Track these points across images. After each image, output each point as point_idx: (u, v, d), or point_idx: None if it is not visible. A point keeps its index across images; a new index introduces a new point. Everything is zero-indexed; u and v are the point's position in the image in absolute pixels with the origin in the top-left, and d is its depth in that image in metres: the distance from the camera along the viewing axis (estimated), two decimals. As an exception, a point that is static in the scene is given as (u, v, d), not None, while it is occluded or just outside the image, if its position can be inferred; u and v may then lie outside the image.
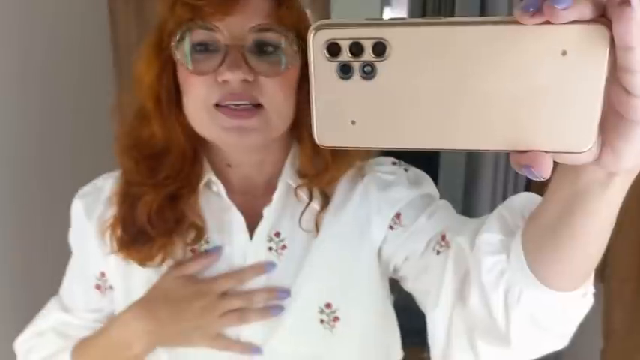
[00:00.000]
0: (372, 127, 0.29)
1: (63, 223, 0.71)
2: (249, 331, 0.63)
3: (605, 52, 0.25)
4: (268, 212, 0.64)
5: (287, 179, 0.65)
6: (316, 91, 0.28)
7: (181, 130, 0.61)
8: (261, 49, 0.56)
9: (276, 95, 0.57)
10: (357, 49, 0.27)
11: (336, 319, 0.63)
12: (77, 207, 0.69)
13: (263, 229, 0.64)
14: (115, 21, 1.68)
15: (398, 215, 0.64)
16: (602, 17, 0.25)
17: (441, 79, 0.27)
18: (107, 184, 0.69)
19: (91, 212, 0.68)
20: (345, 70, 0.28)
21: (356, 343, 0.65)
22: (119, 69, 1.68)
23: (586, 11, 0.25)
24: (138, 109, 0.63)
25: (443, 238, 0.57)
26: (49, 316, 0.72)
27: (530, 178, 0.28)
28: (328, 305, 0.63)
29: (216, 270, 0.64)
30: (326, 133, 0.29)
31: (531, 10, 0.25)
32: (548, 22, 0.25)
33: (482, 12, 1.57)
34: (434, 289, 0.55)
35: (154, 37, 0.60)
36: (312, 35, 0.27)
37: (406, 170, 0.68)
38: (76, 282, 0.71)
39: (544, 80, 0.26)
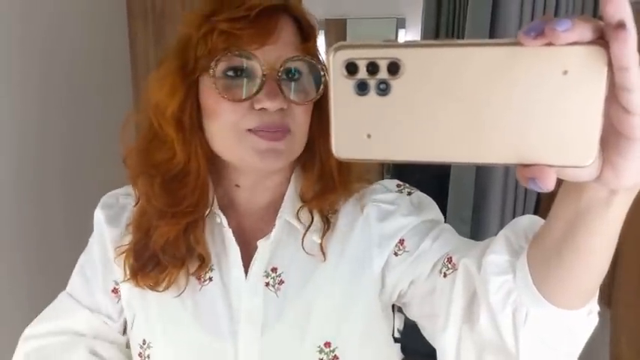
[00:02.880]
0: (386, 141, 0.30)
1: (83, 232, 0.72)
2: None
3: (604, 71, 0.27)
4: (264, 247, 0.64)
5: (286, 214, 0.64)
6: (335, 107, 0.30)
7: (203, 154, 0.62)
8: (293, 78, 0.59)
9: (302, 120, 0.60)
10: (372, 67, 0.29)
11: (335, 358, 0.62)
12: (99, 217, 0.70)
13: (259, 266, 0.64)
14: (134, 42, 1.73)
15: (402, 241, 0.64)
16: (601, 39, 0.26)
17: (450, 96, 0.28)
18: (128, 204, 0.69)
19: (112, 226, 0.69)
20: (362, 87, 0.29)
21: None
22: (137, 87, 1.73)
23: (585, 33, 0.26)
24: (147, 131, 0.63)
25: (449, 260, 0.57)
26: (70, 314, 0.70)
27: (535, 190, 0.29)
28: (327, 344, 0.62)
29: (214, 298, 0.64)
30: (343, 145, 0.31)
31: (534, 33, 0.26)
32: (550, 44, 0.26)
33: (492, 37, 1.60)
34: (442, 312, 0.55)
35: (177, 62, 0.60)
36: (332, 55, 0.29)
37: (409, 194, 0.68)
38: (95, 284, 0.71)
39: (547, 98, 0.27)
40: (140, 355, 0.66)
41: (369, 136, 0.30)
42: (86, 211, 0.73)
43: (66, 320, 0.70)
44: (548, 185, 0.29)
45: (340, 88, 0.30)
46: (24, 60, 1.23)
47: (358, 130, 0.30)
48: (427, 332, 0.61)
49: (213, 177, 0.66)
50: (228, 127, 0.58)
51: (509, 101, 0.28)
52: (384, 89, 0.29)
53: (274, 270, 0.64)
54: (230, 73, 0.57)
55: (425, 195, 0.69)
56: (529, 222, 0.50)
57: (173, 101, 0.59)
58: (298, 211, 0.65)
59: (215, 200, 0.65)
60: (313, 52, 0.61)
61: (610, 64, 0.26)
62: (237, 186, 0.66)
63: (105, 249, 0.69)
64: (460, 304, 0.53)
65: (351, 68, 0.29)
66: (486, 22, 1.52)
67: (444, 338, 0.54)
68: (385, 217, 0.65)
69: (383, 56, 0.29)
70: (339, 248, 0.65)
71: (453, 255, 0.57)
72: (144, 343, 0.66)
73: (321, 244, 0.64)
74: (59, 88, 1.36)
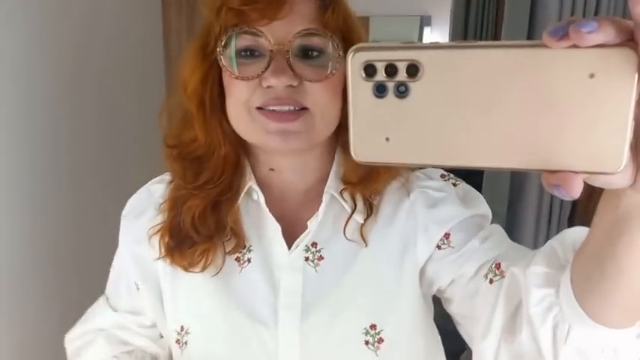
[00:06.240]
0: (405, 144, 0.30)
1: (116, 222, 0.74)
2: (286, 357, 0.62)
3: (633, 74, 0.26)
4: (313, 225, 0.64)
5: (332, 190, 0.65)
6: (353, 109, 0.31)
7: (223, 134, 0.63)
8: (306, 53, 0.57)
9: (321, 99, 0.58)
10: (391, 70, 0.29)
11: (380, 340, 0.62)
12: (127, 210, 0.72)
13: (303, 240, 0.64)
14: (168, 29, 1.77)
15: (447, 235, 0.63)
16: (630, 41, 0.26)
17: (471, 99, 0.29)
18: (158, 189, 0.71)
19: (140, 214, 0.70)
20: (381, 90, 0.30)
21: None
22: (169, 73, 1.77)
23: (612, 35, 0.25)
24: (183, 113, 0.65)
25: (498, 266, 0.56)
26: (99, 316, 0.74)
27: (560, 197, 0.29)
28: (373, 326, 0.62)
29: (254, 279, 0.65)
30: (362, 148, 0.31)
31: (558, 34, 0.26)
32: (575, 46, 0.26)
33: (530, 33, 1.56)
34: (484, 318, 0.54)
35: (200, 41, 0.61)
36: (350, 57, 0.30)
37: (455, 185, 0.67)
38: (121, 281, 0.74)
39: (573, 102, 0.27)
40: (178, 341, 0.67)
41: (387, 139, 0.31)
42: (123, 194, 0.75)
43: (95, 321, 0.75)
44: (573, 193, 0.28)
45: (359, 90, 0.30)
46: (61, 47, 1.28)
47: (377, 133, 0.31)
48: (464, 332, 0.61)
49: (251, 160, 0.67)
50: (241, 105, 0.59)
51: (534, 105, 0.28)
52: (402, 92, 0.29)
53: (314, 245, 0.65)
54: (243, 52, 0.57)
55: (470, 187, 0.69)
56: (579, 233, 0.48)
57: (194, 78, 0.61)
58: (341, 192, 0.65)
59: (253, 177, 0.66)
60: (335, 24, 0.58)
61: None
62: (271, 170, 0.67)
63: (132, 242, 0.71)
64: (504, 313, 0.52)
65: (370, 70, 0.29)
66: (524, 23, 1.49)
67: (483, 346, 0.53)
68: (433, 205, 0.65)
69: (401, 58, 0.29)
70: (383, 232, 0.65)
71: (502, 261, 0.56)
72: (181, 330, 0.67)
73: (361, 230, 0.64)
74: (95, 75, 1.41)
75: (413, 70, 0.29)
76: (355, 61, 0.30)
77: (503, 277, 0.54)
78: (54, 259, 1.25)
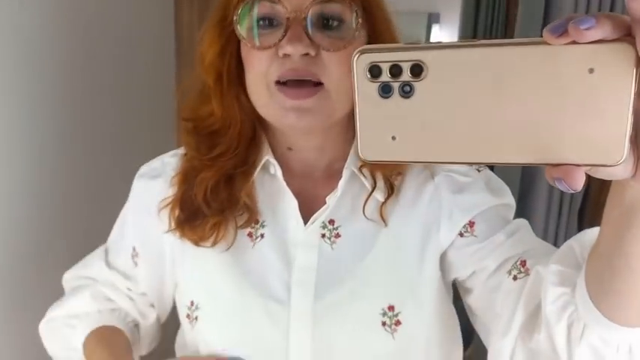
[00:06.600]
0: (411, 143, 0.32)
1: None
2: (298, 335, 0.62)
3: (632, 68, 0.27)
4: (331, 201, 0.63)
5: (352, 167, 0.64)
6: (360, 109, 0.32)
7: (240, 108, 0.63)
8: (324, 22, 0.56)
9: (337, 71, 0.56)
10: (396, 70, 0.30)
11: (397, 323, 0.62)
12: (140, 173, 0.73)
13: (320, 216, 0.64)
14: (180, 23, 1.78)
15: (471, 223, 0.62)
16: (628, 36, 0.27)
17: (474, 97, 0.30)
18: (171, 162, 0.71)
19: (153, 178, 0.71)
20: (386, 90, 0.31)
21: (418, 349, 0.64)
22: (181, 67, 1.77)
23: (610, 30, 0.26)
24: (201, 88, 0.65)
25: (523, 264, 0.56)
26: (92, 267, 0.76)
27: (564, 190, 0.30)
28: (391, 307, 0.62)
29: (267, 255, 0.64)
30: (369, 147, 0.33)
31: (558, 31, 0.27)
32: (575, 42, 0.27)
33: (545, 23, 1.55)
34: (505, 316, 0.54)
35: (217, 14, 0.61)
36: (355, 58, 0.31)
37: (478, 170, 0.67)
38: (122, 241, 0.74)
39: (574, 97, 0.28)
40: (188, 316, 0.68)
41: (393, 138, 0.32)
42: (129, 181, 0.76)
43: (89, 270, 0.76)
44: (575, 186, 0.29)
45: (364, 91, 0.31)
46: (73, 36, 1.29)
47: (383, 133, 0.32)
48: (480, 325, 0.61)
49: (269, 138, 0.67)
50: (259, 78, 0.58)
51: (535, 101, 0.29)
52: (407, 91, 0.30)
53: (332, 222, 0.64)
54: (261, 21, 0.57)
55: (492, 174, 0.68)
56: (597, 232, 0.48)
57: (211, 51, 0.61)
58: (360, 167, 0.64)
59: (270, 151, 0.65)
60: None
61: (638, 61, 0.27)
62: (289, 149, 0.67)
63: (141, 212, 0.72)
64: (524, 311, 0.52)
65: (375, 71, 0.31)
66: (538, 23, 1.48)
67: (502, 344, 0.53)
68: (459, 190, 0.64)
69: (405, 59, 0.30)
70: (404, 214, 0.64)
71: (528, 259, 0.56)
72: (192, 305, 0.67)
73: (381, 209, 0.63)
74: (106, 66, 1.41)
75: (417, 70, 0.30)
76: (360, 63, 0.31)
77: (527, 274, 0.54)
78: (60, 247, 1.27)
